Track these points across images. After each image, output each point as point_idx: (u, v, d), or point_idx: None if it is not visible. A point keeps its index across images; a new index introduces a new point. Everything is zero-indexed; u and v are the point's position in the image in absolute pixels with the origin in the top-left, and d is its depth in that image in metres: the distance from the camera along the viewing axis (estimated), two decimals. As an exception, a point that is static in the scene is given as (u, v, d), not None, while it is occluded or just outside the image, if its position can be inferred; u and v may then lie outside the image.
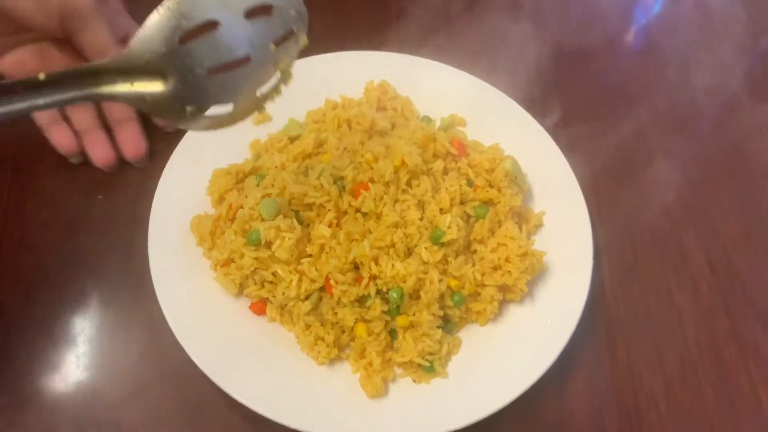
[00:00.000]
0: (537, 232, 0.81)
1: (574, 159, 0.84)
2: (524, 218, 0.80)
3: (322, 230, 0.71)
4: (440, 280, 0.71)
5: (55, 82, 0.49)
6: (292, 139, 0.83)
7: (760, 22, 1.10)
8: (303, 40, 0.60)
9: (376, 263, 0.70)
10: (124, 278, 0.76)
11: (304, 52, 0.87)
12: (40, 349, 0.71)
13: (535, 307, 0.75)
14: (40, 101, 0.49)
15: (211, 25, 0.54)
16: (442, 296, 0.72)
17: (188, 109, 0.56)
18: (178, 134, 0.80)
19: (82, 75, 0.51)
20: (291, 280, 0.70)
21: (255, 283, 0.72)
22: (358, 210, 0.73)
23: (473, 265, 0.74)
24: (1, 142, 0.84)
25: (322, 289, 0.71)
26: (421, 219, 0.73)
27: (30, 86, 0.49)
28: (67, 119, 0.81)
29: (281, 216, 0.71)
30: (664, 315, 0.80)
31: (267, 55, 0.58)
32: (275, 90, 0.62)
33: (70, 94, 0.50)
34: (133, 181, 0.82)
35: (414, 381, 0.70)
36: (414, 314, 0.71)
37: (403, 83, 0.90)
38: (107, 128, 0.82)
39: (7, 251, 0.77)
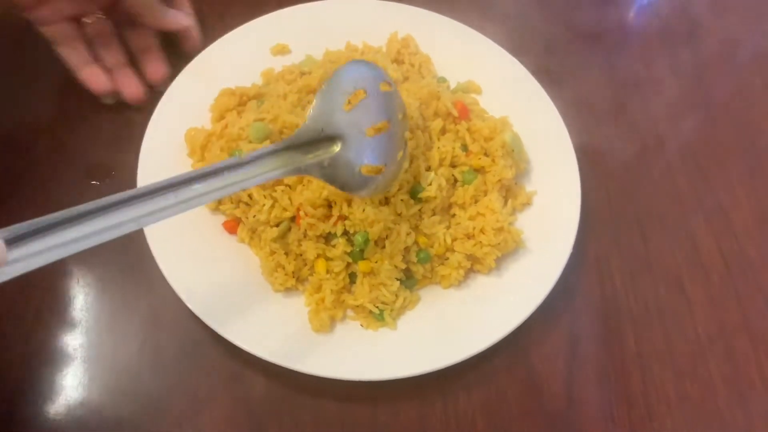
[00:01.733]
0: (524, 210, 0.79)
1: (585, 146, 0.83)
2: (513, 194, 0.78)
3: (304, 162, 0.71)
4: (408, 234, 0.71)
5: (254, 160, 0.57)
6: (305, 74, 0.84)
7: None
8: (407, 118, 0.73)
9: (349, 204, 0.71)
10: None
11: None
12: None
13: (502, 281, 0.74)
14: (250, 180, 0.56)
15: (361, 95, 0.65)
16: (407, 250, 0.72)
17: (356, 168, 0.64)
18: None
19: (278, 151, 0.59)
20: (264, 205, 0.71)
21: (231, 201, 0.73)
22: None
23: (448, 227, 0.74)
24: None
25: (293, 219, 0.72)
26: (405, 172, 0.73)
27: (233, 167, 0.55)
28: (96, 59, 0.83)
29: (268, 141, 0.72)
30: (675, 305, 0.78)
31: (397, 122, 0.68)
32: (405, 155, 0.71)
33: (276, 171, 0.58)
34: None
35: (362, 326, 0.70)
36: (376, 262, 0.71)
37: (430, 42, 0.89)
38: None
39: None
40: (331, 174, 0.62)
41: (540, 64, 0.89)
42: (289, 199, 0.71)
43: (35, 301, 0.72)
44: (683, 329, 0.77)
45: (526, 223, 0.77)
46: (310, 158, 0.61)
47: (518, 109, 0.84)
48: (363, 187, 0.65)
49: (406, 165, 0.72)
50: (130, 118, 0.83)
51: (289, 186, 0.72)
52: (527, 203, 0.79)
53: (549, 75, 0.88)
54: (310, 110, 0.62)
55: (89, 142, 0.82)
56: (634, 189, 0.86)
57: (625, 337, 0.76)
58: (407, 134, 0.71)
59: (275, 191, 0.71)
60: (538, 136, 0.82)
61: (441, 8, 0.91)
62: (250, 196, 0.72)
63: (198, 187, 0.52)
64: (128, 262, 0.74)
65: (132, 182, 0.75)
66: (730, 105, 0.95)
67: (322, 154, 0.62)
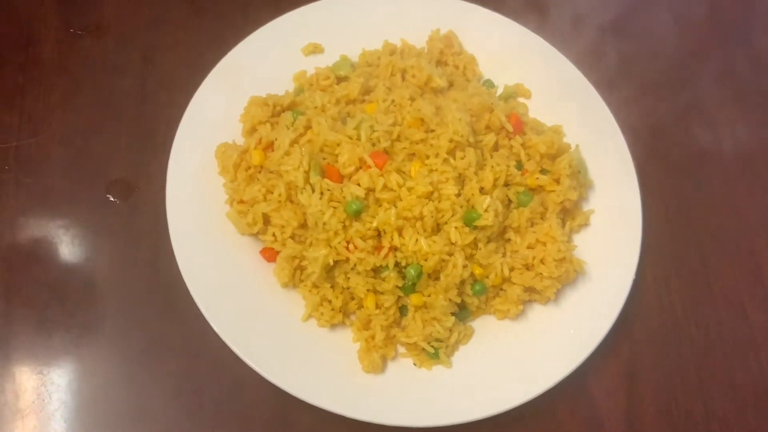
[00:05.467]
0: (580, 230, 0.74)
1: (644, 161, 0.77)
2: (570, 214, 0.73)
3: (355, 190, 0.65)
4: (464, 266, 0.65)
5: None
6: (340, 79, 0.77)
7: None
8: None
9: (400, 234, 0.65)
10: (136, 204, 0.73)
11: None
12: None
13: (561, 311, 0.69)
14: None
15: None
16: (462, 282, 0.66)
17: None
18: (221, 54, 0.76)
19: None
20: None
21: (274, 236, 0.68)
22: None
23: (504, 255, 0.69)
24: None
25: (338, 251, 0.67)
26: (458, 195, 0.67)
27: None
28: None
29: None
30: (737, 332, 0.75)
31: None
32: None
33: None
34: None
35: (414, 364, 0.66)
36: (429, 295, 0.66)
37: (474, 39, 0.82)
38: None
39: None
40: None
41: (594, 65, 0.82)
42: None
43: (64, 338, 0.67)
44: (745, 358, 0.73)
45: (582, 245, 0.72)
46: None
47: (571, 115, 0.78)
48: None
49: (454, 190, 0.66)
50: (151, 128, 0.76)
51: (344, 225, 0.66)
52: (585, 224, 0.73)
53: (602, 77, 0.81)
54: None
55: (108, 156, 0.75)
56: (692, 203, 0.81)
57: (686, 368, 0.72)
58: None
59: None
60: (594, 146, 0.76)
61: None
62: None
63: None
64: (158, 295, 0.69)
65: (157, 201, 0.70)
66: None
67: None
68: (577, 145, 0.75)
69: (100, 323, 0.67)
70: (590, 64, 0.82)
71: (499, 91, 0.80)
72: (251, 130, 0.73)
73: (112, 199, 0.73)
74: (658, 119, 0.84)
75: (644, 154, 0.79)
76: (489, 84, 0.80)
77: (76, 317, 0.68)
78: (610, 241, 0.72)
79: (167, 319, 0.68)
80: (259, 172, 0.70)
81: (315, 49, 0.79)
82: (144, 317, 0.68)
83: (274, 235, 0.68)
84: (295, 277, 0.68)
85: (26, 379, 0.65)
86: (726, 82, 0.90)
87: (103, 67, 0.80)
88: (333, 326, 0.67)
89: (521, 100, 0.80)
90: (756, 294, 0.76)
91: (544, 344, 0.67)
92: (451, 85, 0.77)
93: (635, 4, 0.94)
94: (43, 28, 0.81)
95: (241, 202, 0.69)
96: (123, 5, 0.84)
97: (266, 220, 0.68)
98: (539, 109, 0.79)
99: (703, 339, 0.73)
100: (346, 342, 0.66)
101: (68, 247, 0.71)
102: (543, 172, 0.72)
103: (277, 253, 0.68)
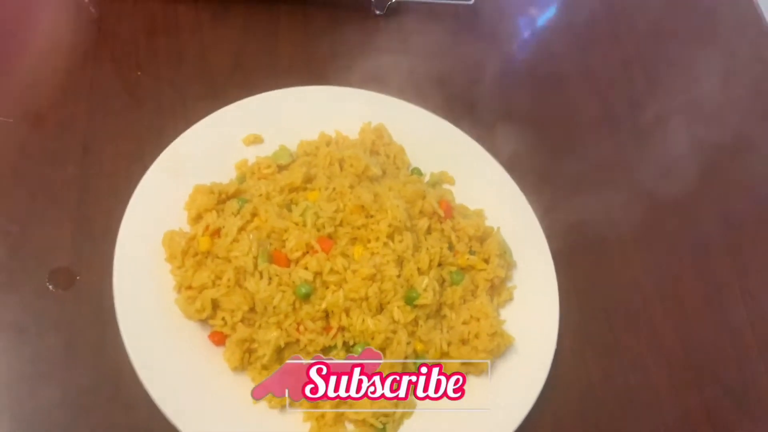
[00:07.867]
0: (505, 305, 0.81)
1: (555, 242, 0.85)
2: (497, 291, 0.80)
3: (303, 274, 0.69)
4: (408, 342, 0.70)
5: None
6: (281, 168, 0.81)
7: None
8: None
9: (347, 315, 0.69)
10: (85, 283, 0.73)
11: (304, 81, 0.87)
12: None
13: (492, 383, 0.74)
14: None
15: None
16: (405, 358, 0.71)
17: None
18: (161, 144, 0.79)
19: None
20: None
21: (223, 320, 0.70)
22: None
23: (441, 331, 0.74)
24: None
25: (283, 331, 0.70)
26: (399, 276, 0.72)
27: None
28: None
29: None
30: (643, 393, 0.82)
31: None
32: None
33: None
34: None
35: (363, 441, 0.69)
36: (375, 372, 0.70)
37: (399, 130, 0.89)
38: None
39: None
40: None
41: (504, 149, 0.92)
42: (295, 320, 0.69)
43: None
44: (652, 418, 0.81)
45: (507, 318, 0.79)
46: None
47: (491, 200, 0.86)
48: None
49: (395, 271, 0.71)
50: (93, 217, 0.77)
51: (294, 307, 0.69)
52: (509, 299, 0.80)
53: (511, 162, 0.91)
54: None
55: (49, 245, 0.75)
56: (597, 280, 0.89)
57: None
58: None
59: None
60: (512, 229, 0.84)
61: (407, 95, 0.92)
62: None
63: None
64: (104, 384, 0.68)
65: (99, 289, 0.70)
66: (673, 195, 0.98)
67: None
68: (498, 228, 0.82)
69: (44, 415, 0.66)
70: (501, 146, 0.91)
71: (426, 178, 0.87)
72: (197, 218, 0.75)
73: (52, 288, 0.73)
74: (563, 206, 0.93)
75: (555, 235, 0.87)
76: (417, 172, 0.87)
77: (20, 407, 0.66)
78: (531, 314, 0.79)
79: (115, 407, 0.67)
80: (206, 257, 0.73)
81: (255, 140, 0.84)
82: (91, 406, 0.67)
83: (223, 319, 0.70)
84: (244, 359, 0.70)
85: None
86: (616, 171, 1.01)
87: (42, 156, 0.80)
88: (283, 407, 0.69)
89: (446, 186, 0.88)
90: (656, 357, 0.85)
91: (479, 415, 0.72)
92: (384, 172, 0.83)
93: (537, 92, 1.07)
94: (-23, 116, 0.81)
95: (190, 288, 0.71)
96: (59, 93, 0.85)
97: (215, 305, 0.70)
98: (461, 194, 0.87)
99: (615, 404, 0.80)
100: (296, 422, 0.68)
101: (8, 339, 0.69)
102: (471, 252, 0.79)
103: (226, 336, 0.70)
